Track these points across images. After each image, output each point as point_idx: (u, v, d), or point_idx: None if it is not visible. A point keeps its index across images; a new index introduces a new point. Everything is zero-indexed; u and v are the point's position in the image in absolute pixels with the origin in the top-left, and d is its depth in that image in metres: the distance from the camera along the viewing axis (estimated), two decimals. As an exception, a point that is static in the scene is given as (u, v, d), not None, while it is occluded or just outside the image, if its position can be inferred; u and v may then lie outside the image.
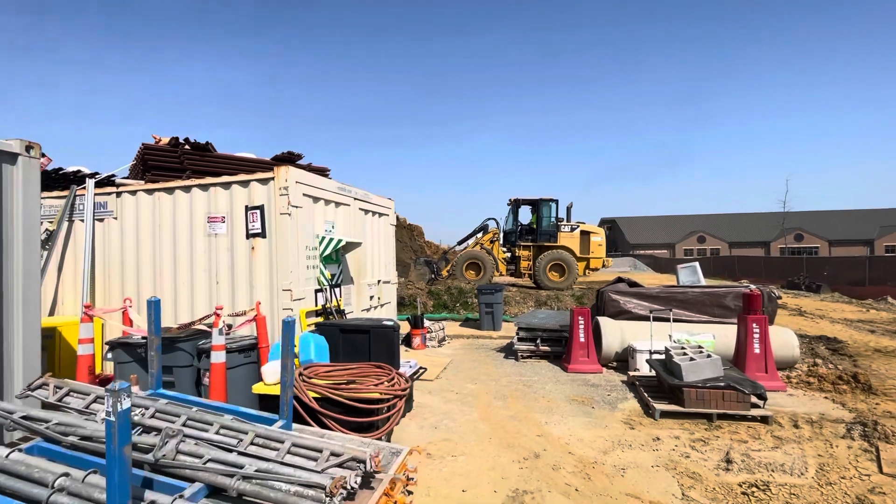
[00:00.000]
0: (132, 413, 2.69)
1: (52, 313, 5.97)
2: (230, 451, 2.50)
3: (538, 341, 7.10)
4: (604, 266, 16.10)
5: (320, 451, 2.48)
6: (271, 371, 3.95)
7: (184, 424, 2.69)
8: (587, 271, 15.88)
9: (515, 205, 16.35)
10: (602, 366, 6.59)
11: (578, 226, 15.77)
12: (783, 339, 6.22)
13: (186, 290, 5.37)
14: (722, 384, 4.55)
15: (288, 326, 2.89)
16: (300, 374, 3.87)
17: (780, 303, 12.69)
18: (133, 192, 5.60)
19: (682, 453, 3.79)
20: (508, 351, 7.54)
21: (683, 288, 6.96)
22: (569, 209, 16.34)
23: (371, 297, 6.95)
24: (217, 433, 2.62)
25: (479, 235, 16.30)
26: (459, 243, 16.92)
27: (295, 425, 3.37)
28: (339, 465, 2.42)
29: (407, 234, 23.16)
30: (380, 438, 3.75)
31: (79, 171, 6.99)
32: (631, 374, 5.75)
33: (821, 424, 4.37)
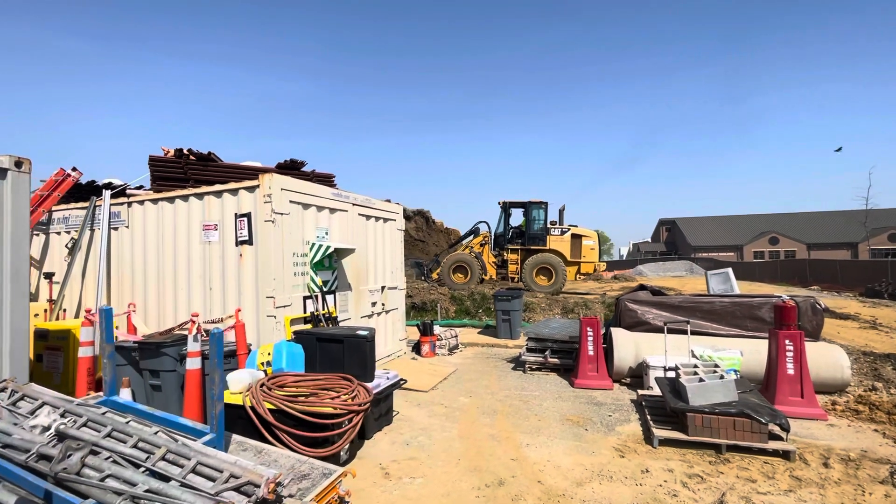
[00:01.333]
0: (60, 422, 2.73)
1: (76, 316, 6.42)
2: (139, 466, 2.45)
3: (547, 353, 6.67)
4: (595, 271, 15.48)
5: (221, 471, 2.36)
6: (236, 379, 3.93)
7: (108, 435, 2.68)
8: (578, 276, 15.35)
9: (505, 207, 16.07)
10: (615, 382, 6.06)
11: (569, 229, 15.22)
12: (830, 357, 5.38)
13: (185, 296, 5.55)
14: (733, 410, 3.95)
15: (214, 339, 2.81)
16: (262, 385, 3.82)
17: (851, 314, 11.18)
18: (141, 202, 5.90)
19: (669, 491, 3.30)
20: (518, 362, 7.15)
21: (710, 297, 6.24)
22: (561, 212, 15.84)
23: (373, 304, 6.87)
24: (135, 446, 2.58)
25: (471, 238, 16.17)
26: (451, 246, 16.79)
27: (239, 438, 3.31)
28: (236, 489, 2.29)
29: (444, 238, 23.10)
30: (335, 454, 3.61)
31: (110, 183, 7.51)
32: (640, 392, 5.20)
33: (858, 464, 3.66)
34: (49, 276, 6.46)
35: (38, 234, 6.86)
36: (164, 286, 5.69)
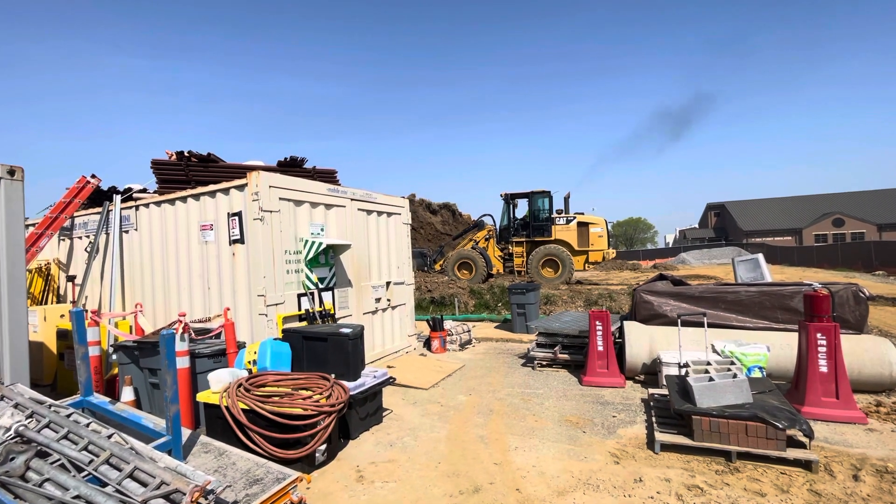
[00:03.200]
0: (21, 423, 2.78)
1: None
2: (82, 470, 2.44)
3: (557, 348, 6.32)
4: (604, 259, 14.88)
5: (154, 477, 2.30)
6: (216, 379, 3.93)
7: (64, 437, 2.70)
8: (587, 265, 14.81)
9: (508, 199, 15.67)
10: (629, 379, 5.66)
11: (575, 217, 14.74)
12: (876, 352, 4.76)
13: (187, 296, 5.67)
14: (746, 413, 3.52)
15: (163, 340, 2.76)
16: (240, 385, 3.78)
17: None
18: (147, 205, 6.07)
19: (660, 504, 2.97)
20: (528, 358, 6.84)
21: (736, 286, 5.66)
22: (566, 199, 15.32)
23: (377, 300, 6.77)
24: (84, 449, 2.58)
25: (475, 231, 15.86)
26: (455, 238, 16.55)
27: (205, 439, 3.27)
28: (164, 496, 2.22)
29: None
30: (309, 456, 3.52)
31: (129, 189, 7.83)
32: (650, 391, 4.79)
33: (897, 477, 3.16)
34: (71, 278, 6.82)
35: (63, 239, 7.25)
36: (169, 286, 5.84)
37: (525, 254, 15.15)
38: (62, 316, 6.42)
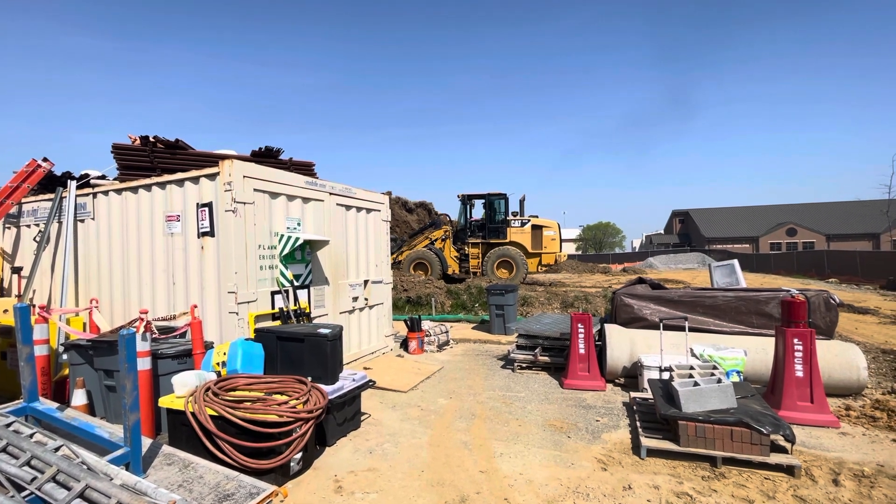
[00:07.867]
0: (-49, 434, 2.44)
1: (46, 312, 6.20)
2: (23, 489, 2.15)
3: (538, 350, 6.27)
4: (556, 262, 15.30)
5: (109, 497, 2.04)
6: (181, 382, 3.61)
7: (3, 450, 2.39)
8: (540, 267, 15.19)
9: (464, 201, 15.85)
10: (609, 382, 5.65)
11: (529, 220, 15.11)
12: (845, 357, 4.90)
13: (149, 291, 5.27)
14: (731, 419, 3.52)
15: (123, 340, 2.48)
16: (208, 389, 3.50)
17: (871, 308, 10.54)
18: (105, 193, 5.63)
19: (652, 512, 2.90)
20: (508, 360, 6.76)
21: (713, 291, 5.76)
22: (521, 202, 15.68)
23: (355, 299, 6.53)
24: (27, 464, 2.28)
25: (431, 230, 15.93)
26: (412, 236, 16.70)
27: (168, 450, 2.99)
28: (122, 520, 1.97)
29: (448, 231, 22.63)
30: (283, 465, 3.28)
31: (86, 175, 7.26)
32: (633, 395, 4.78)
33: (873, 481, 3.22)
34: (17, 270, 6.25)
35: (9, 227, 6.66)
36: (129, 280, 5.42)
37: (481, 255, 15.30)
38: (5, 311, 5.88)
